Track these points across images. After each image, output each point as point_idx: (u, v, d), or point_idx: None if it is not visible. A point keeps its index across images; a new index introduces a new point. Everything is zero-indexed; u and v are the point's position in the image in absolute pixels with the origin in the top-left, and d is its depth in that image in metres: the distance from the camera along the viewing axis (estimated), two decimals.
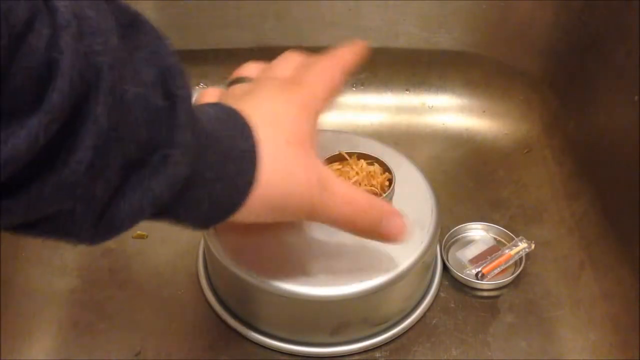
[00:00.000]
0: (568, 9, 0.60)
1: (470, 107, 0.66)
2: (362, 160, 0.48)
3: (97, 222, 0.28)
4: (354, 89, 0.67)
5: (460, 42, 0.65)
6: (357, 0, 0.63)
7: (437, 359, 0.47)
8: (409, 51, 0.66)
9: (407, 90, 0.67)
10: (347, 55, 0.44)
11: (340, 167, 0.48)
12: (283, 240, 0.46)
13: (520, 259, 0.53)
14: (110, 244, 0.54)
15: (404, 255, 0.46)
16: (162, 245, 0.54)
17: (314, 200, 0.37)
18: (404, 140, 0.61)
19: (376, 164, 0.48)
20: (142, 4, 0.60)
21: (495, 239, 0.55)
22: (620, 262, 0.51)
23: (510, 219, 0.57)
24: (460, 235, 0.55)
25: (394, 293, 0.46)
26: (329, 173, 0.39)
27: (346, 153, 0.49)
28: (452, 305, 0.51)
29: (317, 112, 0.40)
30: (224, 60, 0.65)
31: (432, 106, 0.66)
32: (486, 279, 0.51)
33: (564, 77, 0.63)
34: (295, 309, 0.45)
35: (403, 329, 0.48)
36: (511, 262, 0.53)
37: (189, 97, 0.30)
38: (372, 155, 0.48)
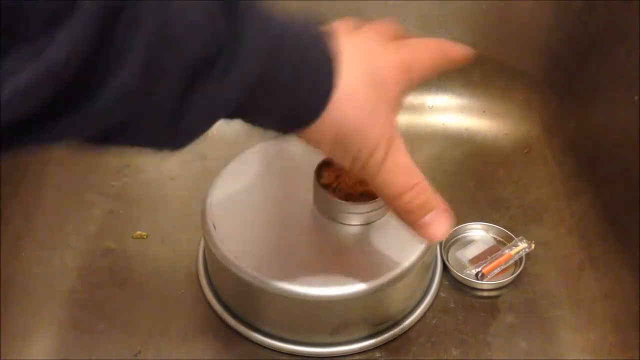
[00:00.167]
0: (568, 9, 0.60)
1: (470, 107, 0.66)
2: None
3: (170, 129, 0.28)
4: None
5: (460, 42, 0.65)
6: (357, 0, 0.63)
7: (437, 359, 0.47)
8: None
9: None
10: (453, 48, 0.42)
11: (340, 166, 0.48)
12: (283, 240, 0.46)
13: (520, 259, 0.53)
14: (111, 244, 0.54)
15: (404, 255, 0.46)
16: (162, 245, 0.54)
17: (376, 155, 0.35)
18: (404, 140, 0.61)
19: None
20: None
21: (495, 239, 0.55)
22: (620, 262, 0.51)
23: (510, 219, 0.57)
24: (460, 235, 0.55)
25: (394, 293, 0.46)
26: (400, 139, 0.37)
27: None
28: (452, 305, 0.51)
29: (410, 81, 0.38)
30: None
31: (432, 106, 0.66)
32: (486, 279, 0.51)
33: (564, 77, 0.63)
34: (295, 309, 0.45)
35: (403, 329, 0.48)
36: (511, 262, 0.53)
37: None
38: None
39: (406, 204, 0.37)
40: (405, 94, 0.38)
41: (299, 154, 0.52)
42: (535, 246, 0.53)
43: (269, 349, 0.47)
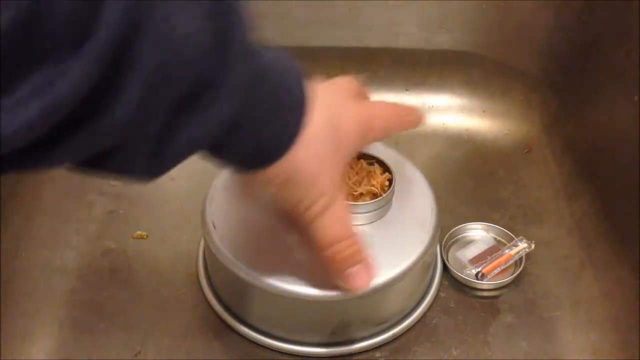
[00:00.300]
0: (568, 9, 0.60)
1: (470, 107, 0.66)
2: (362, 160, 0.48)
3: (151, 159, 0.29)
4: None
5: (460, 42, 0.65)
6: (357, 0, 0.63)
7: (437, 359, 0.47)
8: (409, 51, 0.66)
9: (407, 90, 0.67)
10: (409, 114, 0.44)
11: None
12: (283, 240, 0.46)
13: (520, 259, 0.53)
14: (110, 244, 0.54)
15: (404, 255, 0.46)
16: (162, 245, 0.54)
17: (318, 204, 0.37)
18: (404, 140, 0.61)
19: (376, 164, 0.48)
20: None
21: (495, 239, 0.55)
22: (620, 262, 0.51)
23: (510, 219, 0.57)
24: (460, 235, 0.55)
25: (394, 293, 0.46)
26: (342, 195, 0.39)
27: None
28: (452, 305, 0.51)
29: (365, 138, 0.40)
30: None
31: (432, 106, 0.66)
32: (486, 279, 0.51)
33: (564, 77, 0.63)
34: (296, 309, 0.45)
35: (403, 329, 0.48)
36: (511, 262, 0.53)
37: (243, 33, 0.29)
38: (372, 154, 0.48)
39: (335, 254, 0.39)
40: (356, 151, 0.40)
41: None
42: (535, 246, 0.53)
43: (269, 349, 0.47)
